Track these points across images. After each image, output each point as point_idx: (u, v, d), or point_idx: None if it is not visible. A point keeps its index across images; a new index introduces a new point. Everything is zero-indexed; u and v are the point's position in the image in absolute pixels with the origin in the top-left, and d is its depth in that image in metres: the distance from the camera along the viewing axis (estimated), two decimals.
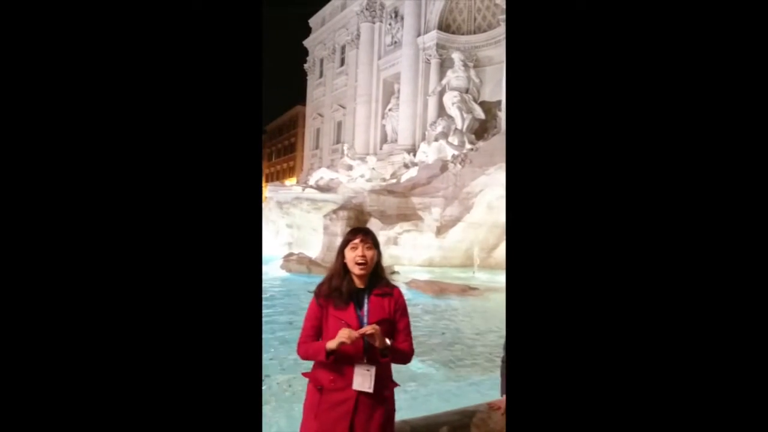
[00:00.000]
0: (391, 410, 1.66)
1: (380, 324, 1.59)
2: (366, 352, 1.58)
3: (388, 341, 1.57)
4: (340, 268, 1.66)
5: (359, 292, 1.65)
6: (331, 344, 1.52)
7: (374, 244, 1.67)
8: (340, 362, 1.58)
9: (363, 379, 1.55)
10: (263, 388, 3.32)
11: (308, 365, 1.68)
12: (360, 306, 1.62)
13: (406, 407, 2.40)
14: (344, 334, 1.50)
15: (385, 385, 1.61)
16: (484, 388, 3.56)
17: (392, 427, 1.66)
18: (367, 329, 1.52)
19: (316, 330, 1.65)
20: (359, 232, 1.68)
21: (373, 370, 1.56)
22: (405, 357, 1.66)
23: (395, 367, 1.70)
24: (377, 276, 1.69)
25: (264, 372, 3.55)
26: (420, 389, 3.50)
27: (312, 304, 1.68)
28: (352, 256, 1.63)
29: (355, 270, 1.63)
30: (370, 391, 1.54)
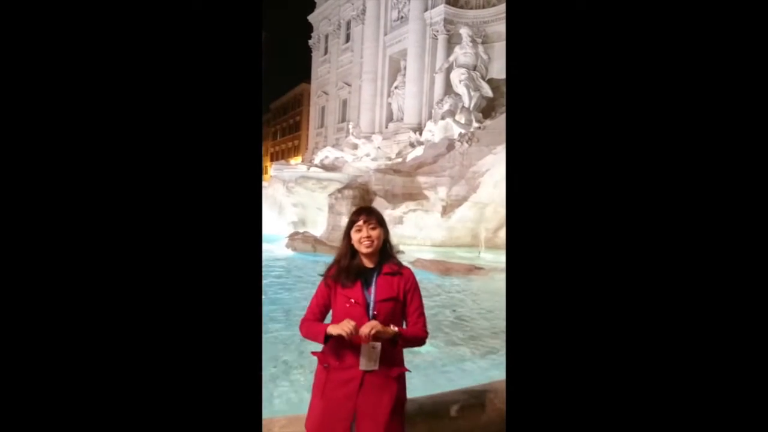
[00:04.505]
0: (402, 395, 1.60)
1: (387, 303, 1.58)
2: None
3: (395, 328, 1.54)
4: (347, 250, 1.66)
5: (368, 272, 1.63)
6: (333, 330, 1.49)
7: (379, 222, 1.65)
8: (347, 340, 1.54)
9: (369, 358, 1.52)
10: (268, 368, 3.33)
11: (316, 345, 1.65)
12: (368, 285, 1.61)
13: (412, 386, 2.38)
14: (347, 328, 1.45)
15: (393, 364, 1.58)
16: (489, 367, 3.57)
17: (402, 412, 1.59)
18: (365, 330, 1.46)
19: (321, 310, 1.64)
20: (362, 212, 1.67)
21: (379, 346, 1.53)
22: (417, 340, 1.62)
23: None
24: (386, 255, 1.67)
25: (267, 352, 3.56)
26: (425, 368, 3.50)
27: (320, 284, 1.67)
28: (357, 237, 1.63)
29: (362, 249, 1.63)
30: (376, 368, 1.53)
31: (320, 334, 1.53)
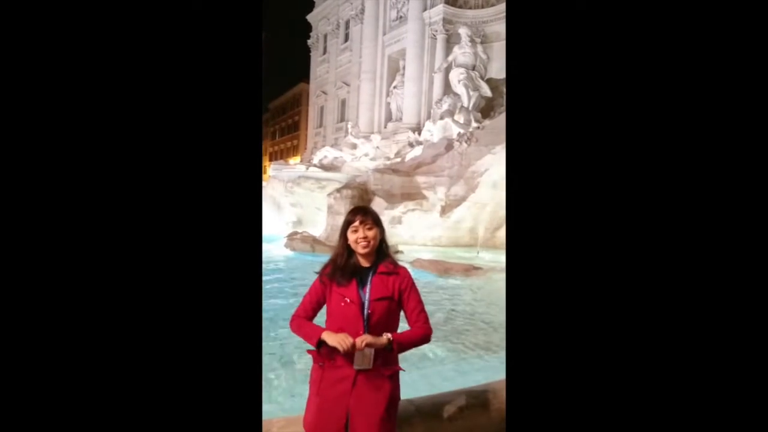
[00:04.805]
0: (395, 393, 1.61)
1: (381, 302, 1.58)
2: (366, 330, 1.55)
3: (388, 335, 1.53)
4: (344, 249, 1.66)
5: (363, 271, 1.64)
6: (328, 339, 1.49)
7: (375, 222, 1.66)
8: None
9: (362, 360, 1.53)
10: (267, 368, 3.33)
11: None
12: (363, 284, 1.61)
13: (410, 387, 2.39)
14: (344, 342, 1.45)
15: (387, 364, 1.58)
16: (488, 367, 3.57)
17: (395, 411, 1.60)
18: (358, 343, 1.47)
19: (314, 307, 1.66)
20: (358, 212, 1.67)
21: (372, 348, 1.53)
22: (418, 339, 1.60)
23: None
24: (382, 254, 1.68)
25: (267, 353, 3.56)
26: (423, 368, 3.50)
27: (315, 282, 1.68)
28: (353, 237, 1.64)
29: (359, 249, 1.63)
30: (370, 367, 1.53)
31: (313, 338, 1.54)
